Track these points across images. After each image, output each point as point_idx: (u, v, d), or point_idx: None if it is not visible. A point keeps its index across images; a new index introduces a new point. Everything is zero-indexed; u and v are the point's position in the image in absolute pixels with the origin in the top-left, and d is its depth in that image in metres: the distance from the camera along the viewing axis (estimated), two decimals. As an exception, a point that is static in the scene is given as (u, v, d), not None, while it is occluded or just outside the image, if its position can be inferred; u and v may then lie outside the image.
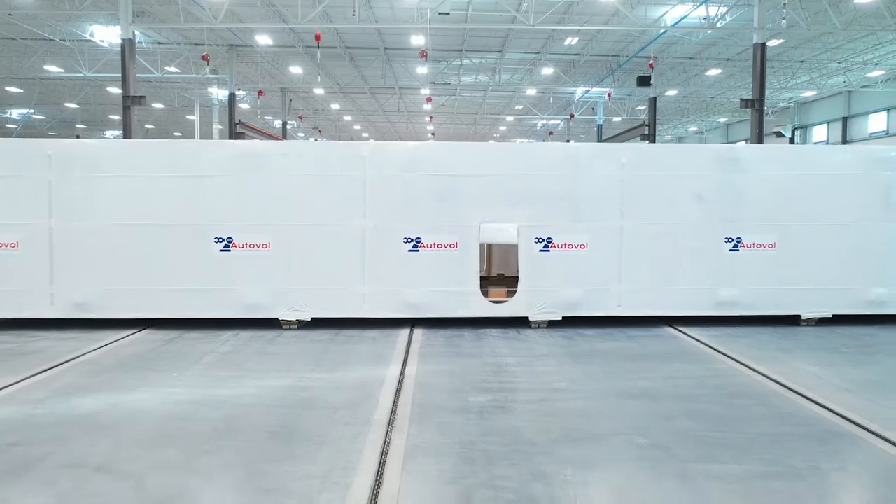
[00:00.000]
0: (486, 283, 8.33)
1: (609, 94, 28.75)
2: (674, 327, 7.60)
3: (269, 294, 7.39)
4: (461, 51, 26.22)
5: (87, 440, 4.03)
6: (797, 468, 3.66)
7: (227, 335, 7.04)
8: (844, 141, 33.08)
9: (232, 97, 26.56)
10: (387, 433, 4.17)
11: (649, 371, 5.78)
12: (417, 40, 22.44)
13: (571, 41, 24.71)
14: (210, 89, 29.51)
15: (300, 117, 34.50)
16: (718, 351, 6.51)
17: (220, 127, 30.24)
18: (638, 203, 7.57)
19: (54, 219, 7.28)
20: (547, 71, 29.13)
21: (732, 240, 7.64)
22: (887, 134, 30.51)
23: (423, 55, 20.24)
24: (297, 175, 7.44)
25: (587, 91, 31.56)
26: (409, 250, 7.46)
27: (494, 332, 7.32)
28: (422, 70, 26.44)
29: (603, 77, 28.78)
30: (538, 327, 7.55)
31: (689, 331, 7.39)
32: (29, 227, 7.26)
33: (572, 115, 35.06)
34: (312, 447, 3.94)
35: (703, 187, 7.64)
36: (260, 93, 27.41)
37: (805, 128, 37.52)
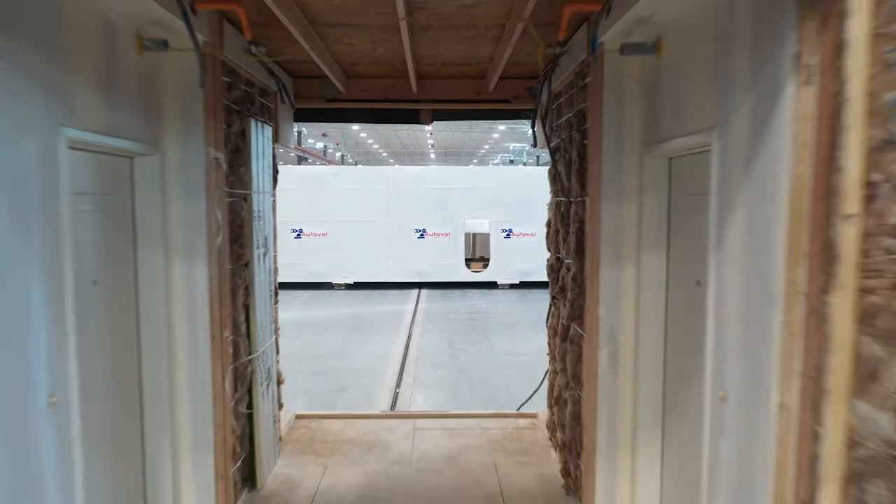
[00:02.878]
0: (470, 260, 12.25)
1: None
2: (594, 289, 11.49)
3: (325, 266, 11.30)
4: (457, 72, 30.08)
5: (259, 328, 7.94)
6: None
7: (300, 292, 10.94)
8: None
9: (259, 114, 30.36)
10: (410, 327, 8.09)
11: (563, 307, 9.71)
12: (419, 66, 26.35)
13: (551, 66, 28.53)
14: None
15: (323, 134, 38.83)
16: (613, 299, 10.41)
17: (243, 137, 34.04)
18: (569, 206, 11.45)
19: (187, 217, 11.18)
20: (532, 89, 32.92)
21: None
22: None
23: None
24: (344, 189, 11.34)
25: (569, 105, 35.38)
26: (418, 238, 11.37)
27: (474, 291, 11.23)
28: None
29: (582, 93, 32.63)
30: (503, 288, 11.46)
31: (603, 290, 11.27)
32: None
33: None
34: (374, 331, 7.86)
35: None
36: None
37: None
